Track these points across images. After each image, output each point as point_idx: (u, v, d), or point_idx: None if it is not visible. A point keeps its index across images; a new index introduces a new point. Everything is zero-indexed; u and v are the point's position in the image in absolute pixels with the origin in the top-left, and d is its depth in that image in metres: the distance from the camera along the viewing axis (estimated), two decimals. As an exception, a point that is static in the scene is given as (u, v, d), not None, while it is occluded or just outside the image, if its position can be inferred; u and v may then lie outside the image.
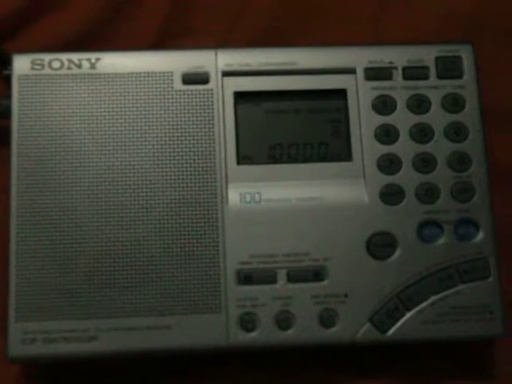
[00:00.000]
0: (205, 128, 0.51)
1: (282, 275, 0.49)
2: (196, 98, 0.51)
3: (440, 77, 0.53)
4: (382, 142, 0.52)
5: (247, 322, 0.49)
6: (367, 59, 0.53)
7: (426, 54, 0.53)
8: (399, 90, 0.53)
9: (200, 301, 0.49)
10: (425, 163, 0.52)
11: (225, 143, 0.51)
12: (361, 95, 0.53)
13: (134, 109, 0.51)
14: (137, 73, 0.51)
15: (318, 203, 0.51)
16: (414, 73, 0.53)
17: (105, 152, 0.50)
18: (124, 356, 0.49)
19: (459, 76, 0.53)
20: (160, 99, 0.51)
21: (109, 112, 0.51)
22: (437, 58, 0.53)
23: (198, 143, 0.51)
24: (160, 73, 0.52)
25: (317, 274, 0.50)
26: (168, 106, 0.51)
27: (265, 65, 0.53)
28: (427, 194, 0.51)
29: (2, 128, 0.52)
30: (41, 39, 0.58)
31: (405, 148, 0.52)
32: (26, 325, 0.48)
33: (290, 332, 0.49)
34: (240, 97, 0.52)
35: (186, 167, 0.50)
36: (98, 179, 0.50)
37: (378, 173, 0.51)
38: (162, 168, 0.50)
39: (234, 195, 0.50)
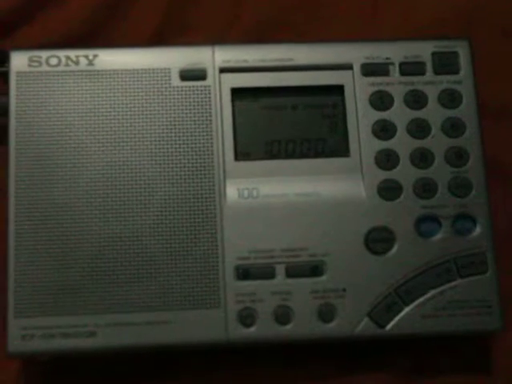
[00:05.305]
0: (202, 124, 0.51)
1: (280, 270, 0.50)
2: (193, 94, 0.52)
3: (437, 72, 0.53)
4: (380, 138, 0.52)
5: (246, 317, 0.49)
6: (364, 55, 0.53)
7: (423, 50, 0.54)
8: (396, 85, 0.53)
9: (199, 296, 0.49)
10: (422, 158, 0.52)
11: (222, 139, 0.51)
12: (358, 91, 0.53)
13: (132, 105, 0.51)
14: (134, 69, 0.51)
15: (316, 199, 0.51)
16: (410, 68, 0.53)
17: (103, 148, 0.50)
18: (123, 351, 0.49)
19: (456, 71, 0.53)
20: (158, 96, 0.51)
21: (106, 108, 0.51)
22: (433, 54, 0.54)
23: (195, 139, 0.51)
24: (157, 69, 0.52)
25: (315, 269, 0.50)
26: (166, 103, 0.51)
27: (262, 61, 0.53)
28: (425, 189, 0.51)
29: (0, 125, 0.52)
30: (38, 36, 0.59)
31: (402, 143, 0.52)
32: (25, 321, 0.48)
33: (288, 327, 0.49)
34: (237, 93, 0.52)
35: (184, 163, 0.50)
36: (96, 175, 0.50)
37: (375, 168, 0.52)
38: (160, 164, 0.50)
39: (232, 191, 0.50)
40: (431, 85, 0.53)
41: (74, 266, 0.48)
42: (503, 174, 0.58)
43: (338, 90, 0.53)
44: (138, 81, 0.51)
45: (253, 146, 0.52)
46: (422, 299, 0.50)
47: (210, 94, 0.52)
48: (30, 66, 0.51)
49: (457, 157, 0.52)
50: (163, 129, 0.51)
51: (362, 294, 0.50)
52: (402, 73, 0.53)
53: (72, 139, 0.50)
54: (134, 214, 0.49)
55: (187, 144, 0.51)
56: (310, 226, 0.50)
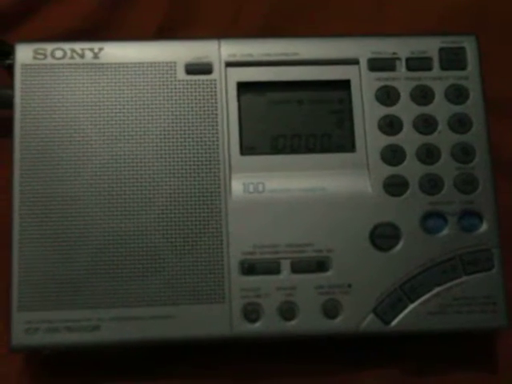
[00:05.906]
0: (208, 118, 0.51)
1: (285, 266, 0.49)
2: (199, 88, 0.51)
3: (444, 68, 0.53)
4: (386, 133, 0.52)
5: (251, 313, 0.49)
6: (371, 50, 0.53)
7: (430, 45, 0.53)
8: (403, 80, 0.53)
9: (204, 291, 0.48)
10: (428, 154, 0.51)
11: (228, 134, 0.51)
12: (364, 86, 0.52)
13: (137, 99, 0.51)
14: (140, 63, 0.51)
15: (322, 194, 0.51)
16: (417, 64, 0.53)
17: (108, 142, 0.50)
18: (127, 346, 0.49)
19: (463, 67, 0.53)
20: (163, 89, 0.51)
21: (112, 102, 0.50)
22: (440, 49, 0.53)
23: (201, 133, 0.51)
24: (163, 63, 0.51)
25: (320, 265, 0.49)
26: (171, 96, 0.51)
27: (268, 55, 0.52)
28: (431, 185, 0.51)
29: (5, 118, 0.51)
30: (43, 29, 0.58)
31: (408, 139, 0.52)
32: (29, 314, 0.48)
33: (293, 322, 0.49)
34: (243, 87, 0.52)
35: (190, 157, 0.50)
36: (101, 169, 0.49)
37: (381, 164, 0.51)
38: (166, 158, 0.50)
39: (237, 185, 0.50)
40: (438, 80, 0.53)
41: (79, 260, 0.48)
42: (510, 171, 0.57)
43: (345, 84, 0.53)
44: (143, 74, 0.51)
45: (258, 140, 0.52)
46: (427, 296, 0.50)
47: (215, 88, 0.51)
48: (35, 58, 0.51)
49: (463, 153, 0.52)
50: (168, 123, 0.51)
51: (367, 290, 0.49)
52: (409, 68, 0.53)
53: (77, 132, 0.50)
54: (138, 208, 0.49)
55: (193, 138, 0.50)
56: (316, 221, 0.50)
